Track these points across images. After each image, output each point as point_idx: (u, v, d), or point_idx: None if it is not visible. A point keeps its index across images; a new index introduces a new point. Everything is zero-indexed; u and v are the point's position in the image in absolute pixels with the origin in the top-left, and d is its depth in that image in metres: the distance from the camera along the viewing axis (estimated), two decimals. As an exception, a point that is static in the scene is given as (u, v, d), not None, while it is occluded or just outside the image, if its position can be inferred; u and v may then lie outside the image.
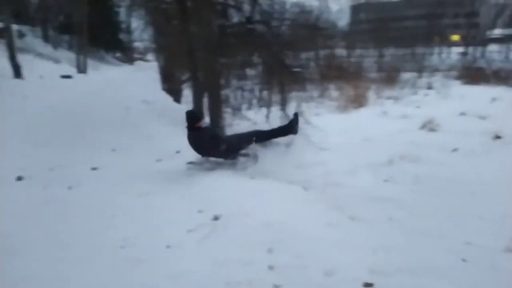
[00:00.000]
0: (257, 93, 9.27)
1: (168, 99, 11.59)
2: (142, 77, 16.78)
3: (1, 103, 7.66)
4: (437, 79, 18.80)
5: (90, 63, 22.03)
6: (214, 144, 4.72)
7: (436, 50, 35.40)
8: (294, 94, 9.23)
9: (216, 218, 3.35)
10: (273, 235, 3.03)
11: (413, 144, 7.09)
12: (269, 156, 4.91)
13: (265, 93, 9.16)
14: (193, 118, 4.80)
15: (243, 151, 4.89)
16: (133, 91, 11.25)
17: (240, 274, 2.59)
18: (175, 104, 11.06)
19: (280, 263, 2.68)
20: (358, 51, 30.10)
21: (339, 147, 6.90)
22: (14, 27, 15.56)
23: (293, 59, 8.91)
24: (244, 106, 8.96)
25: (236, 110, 8.64)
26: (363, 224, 3.75)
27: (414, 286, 2.48)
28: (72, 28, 22.39)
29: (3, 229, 3.28)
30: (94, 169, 5.04)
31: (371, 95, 14.58)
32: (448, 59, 32.03)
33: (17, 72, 11.99)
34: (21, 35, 20.78)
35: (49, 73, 16.11)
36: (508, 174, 5.59)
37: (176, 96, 12.06)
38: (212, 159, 4.92)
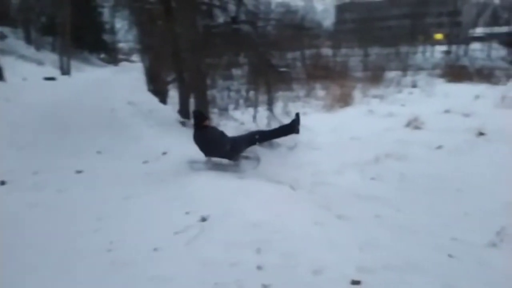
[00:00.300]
0: (243, 93, 9.27)
1: (154, 100, 11.50)
2: (127, 78, 16.62)
3: (-18, 106, 7.50)
4: (421, 78, 19.08)
5: (74, 64, 21.75)
6: (220, 143, 4.72)
7: (420, 49, 35.94)
8: (280, 93, 9.27)
9: (203, 219, 3.32)
10: (261, 235, 3.02)
11: (399, 142, 7.17)
12: (270, 158, 4.90)
13: (251, 93, 9.17)
14: (200, 117, 4.85)
15: (245, 154, 4.87)
16: (118, 92, 11.13)
17: (229, 274, 2.57)
18: (161, 105, 10.97)
19: (268, 263, 2.67)
20: (343, 51, 30.35)
21: (327, 146, 6.95)
22: (-5, 28, 15.28)
23: (279, 59, 8.94)
24: (231, 106, 8.95)
25: (223, 110, 8.63)
26: (350, 222, 3.78)
27: (401, 283, 2.50)
28: (55, 29, 22.09)
29: (-15, 235, 3.20)
30: (79, 172, 4.96)
31: (357, 94, 14.71)
32: (432, 58, 32.54)
33: (-1, 74, 11.78)
34: (3, 36, 20.42)
35: (32, 75, 15.86)
36: (492, 171, 5.70)
37: (162, 97, 11.97)
38: (215, 159, 4.88)
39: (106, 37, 33.83)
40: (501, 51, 31.58)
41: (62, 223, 3.57)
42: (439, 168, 5.90)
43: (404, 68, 21.41)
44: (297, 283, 2.45)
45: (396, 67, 21.96)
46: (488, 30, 38.83)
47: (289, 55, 9.80)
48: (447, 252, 3.32)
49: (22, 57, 18.89)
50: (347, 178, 5.60)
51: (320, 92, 14.46)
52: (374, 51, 31.26)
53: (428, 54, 35.72)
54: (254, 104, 8.92)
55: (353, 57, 28.51)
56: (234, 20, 8.32)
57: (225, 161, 4.92)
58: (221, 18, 8.98)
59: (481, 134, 7.54)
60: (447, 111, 10.20)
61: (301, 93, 10.57)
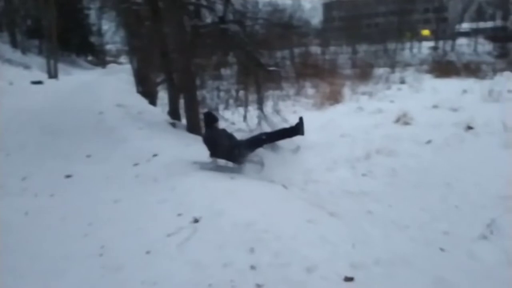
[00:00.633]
0: (233, 93, 9.26)
1: (143, 101, 11.42)
2: (116, 80, 16.48)
3: (-33, 112, 7.38)
4: (409, 74, 19.28)
5: (61, 67, 21.51)
6: (228, 146, 4.76)
7: (408, 45, 36.27)
8: (270, 92, 9.27)
9: (196, 220, 3.30)
10: (254, 234, 3.02)
11: (389, 138, 7.22)
12: (274, 161, 4.91)
13: (241, 92, 9.16)
14: (210, 118, 4.95)
15: (251, 158, 4.88)
16: (107, 95, 11.02)
17: (222, 275, 2.57)
18: (150, 107, 10.90)
19: (261, 263, 2.66)
20: (332, 48, 30.49)
21: (317, 144, 6.96)
22: (-21, 32, 15.05)
23: (268, 58, 8.94)
24: (221, 106, 8.93)
25: (213, 110, 8.60)
26: (342, 219, 3.79)
27: (392, 278, 2.52)
28: (41, 32, 21.80)
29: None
30: (68, 176, 4.90)
31: (346, 91, 14.81)
32: (419, 54, 32.84)
33: (-16, 79, 11.59)
34: (-13, 40, 20.10)
35: (18, 79, 15.64)
36: (481, 164, 5.76)
37: (152, 98, 11.91)
38: (220, 161, 4.93)
39: (93, 39, 33.53)
40: (487, 46, 32.03)
41: (52, 228, 3.53)
42: (428, 163, 5.96)
43: (392, 65, 21.62)
44: (291, 282, 2.46)
45: (384, 63, 22.17)
46: (473, 25, 39.29)
47: (278, 53, 9.80)
48: (439, 246, 3.35)
49: (8, 61, 18.62)
50: (339, 175, 5.62)
51: (310, 90, 14.51)
52: (362, 48, 31.47)
53: (415, 50, 36.05)
54: (244, 104, 8.92)
55: (342, 54, 28.67)
56: (222, 20, 8.29)
57: (229, 163, 4.95)
58: (209, 18, 8.95)
59: (469, 128, 7.64)
60: (435, 106, 10.32)
61: (291, 91, 10.59)
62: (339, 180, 5.36)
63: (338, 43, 33.06)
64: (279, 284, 2.44)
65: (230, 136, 4.97)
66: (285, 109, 9.38)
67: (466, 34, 37.87)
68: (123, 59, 32.48)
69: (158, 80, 11.36)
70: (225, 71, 10.05)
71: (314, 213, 3.76)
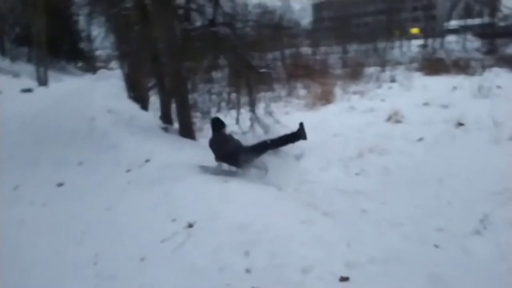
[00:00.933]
0: (225, 95, 9.25)
1: (135, 107, 11.36)
2: (107, 86, 16.39)
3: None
4: (399, 72, 19.39)
5: (51, 74, 21.35)
6: (233, 151, 4.83)
7: (397, 43, 36.49)
8: (262, 94, 9.28)
9: (190, 225, 3.29)
10: (248, 237, 3.01)
11: (381, 136, 7.27)
12: (278, 166, 4.94)
13: (233, 95, 9.15)
14: (218, 123, 5.06)
15: (255, 163, 4.94)
16: (98, 101, 10.95)
17: (218, 279, 2.56)
18: (142, 112, 10.85)
19: (257, 265, 2.66)
20: (322, 49, 30.57)
21: (310, 144, 6.97)
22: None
23: (259, 59, 8.94)
24: (213, 110, 8.91)
25: (205, 113, 8.59)
26: (337, 219, 3.80)
27: (388, 276, 2.53)
28: (30, 40, 21.60)
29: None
30: (60, 184, 4.86)
31: (337, 91, 14.84)
32: (409, 52, 33.08)
33: (-27, 88, 11.47)
34: (-25, 49, 19.90)
35: (8, 87, 15.49)
36: (472, 160, 5.81)
37: (143, 103, 11.85)
38: (225, 165, 4.99)
39: (83, 45, 33.26)
40: (475, 43, 32.34)
41: (45, 237, 3.49)
42: (420, 160, 6.00)
43: (383, 64, 21.74)
44: (286, 283, 2.46)
45: (375, 62, 22.27)
46: (462, 22, 39.64)
47: (269, 55, 9.81)
48: (433, 243, 3.37)
49: (-3, 69, 18.46)
50: (332, 174, 5.64)
51: (301, 91, 14.53)
52: (353, 48, 31.61)
53: (405, 48, 36.28)
54: (236, 106, 8.91)
55: (332, 54, 28.77)
56: (212, 22, 8.28)
57: (234, 168, 5.00)
58: (199, 22, 8.94)
59: (460, 124, 7.71)
60: (426, 104, 10.39)
61: (283, 93, 10.60)
62: (332, 180, 5.37)
63: (328, 43, 33.16)
64: (275, 286, 2.44)
65: (236, 142, 5.05)
66: (277, 111, 9.39)
67: (454, 31, 38.18)
68: (113, 64, 32.26)
69: (149, 84, 11.30)
70: (216, 74, 10.03)
71: (309, 213, 3.76)
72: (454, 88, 12.35)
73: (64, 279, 2.76)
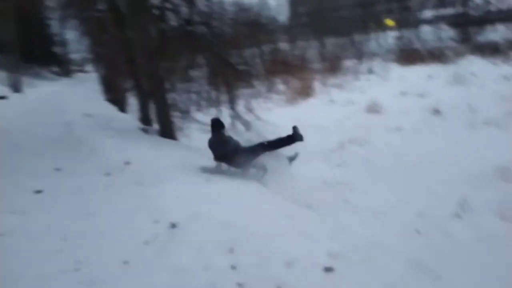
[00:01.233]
0: (204, 94, 9.19)
1: (112, 109, 11.18)
2: (83, 90, 16.11)
3: None
4: (376, 64, 19.59)
5: (25, 80, 20.76)
6: (231, 151, 4.94)
7: (373, 35, 36.86)
8: (242, 91, 9.25)
9: (173, 225, 3.26)
10: (232, 234, 3.00)
11: (361, 127, 7.37)
12: (275, 167, 4.97)
13: (213, 93, 9.09)
14: (217, 124, 5.18)
15: (254, 163, 5.03)
16: (74, 105, 10.74)
17: (203, 278, 2.54)
18: (120, 114, 10.68)
19: (242, 262, 2.65)
20: (300, 44, 30.64)
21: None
22: None
23: (237, 57, 8.92)
24: (193, 109, 8.84)
25: (185, 113, 8.51)
26: (320, 211, 3.83)
27: (371, 264, 2.56)
28: (1, 46, 20.98)
29: None
30: (38, 192, 4.72)
31: (317, 85, 14.93)
32: (385, 43, 33.46)
33: None
34: None
35: (-21, 96, 15.02)
36: (450, 146, 5.95)
37: (121, 105, 11.68)
38: (224, 165, 5.06)
39: (57, 49, 32.58)
40: (450, 32, 32.95)
41: (24, 247, 3.39)
42: (400, 149, 6.12)
43: (360, 56, 21.95)
44: (272, 277, 2.46)
45: (352, 55, 22.46)
46: (436, 12, 40.30)
47: (247, 52, 9.79)
48: (414, 228, 3.43)
49: (-33, 78, 17.87)
50: (314, 167, 5.68)
51: (281, 87, 14.56)
52: (330, 42, 31.80)
53: (381, 40, 36.71)
54: (216, 104, 8.87)
55: (310, 49, 28.89)
56: (188, 22, 8.21)
57: (233, 168, 5.05)
58: (174, 21, 8.84)
59: (436, 112, 7.87)
60: (403, 94, 10.57)
61: (262, 89, 10.59)
62: (315, 172, 5.41)
63: (305, 38, 33.28)
64: (260, 281, 2.44)
65: (234, 142, 5.15)
66: (257, 107, 9.39)
67: (429, 21, 38.80)
68: (89, 67, 31.68)
69: (126, 86, 11.14)
70: (195, 73, 9.95)
71: (292, 207, 3.78)
72: (430, 77, 12.58)
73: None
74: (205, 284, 2.48)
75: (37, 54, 27.93)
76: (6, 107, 12.01)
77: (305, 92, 13.73)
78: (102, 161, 5.34)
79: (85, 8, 9.76)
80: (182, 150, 5.88)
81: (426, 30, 35.37)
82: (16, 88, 19.01)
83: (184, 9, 8.42)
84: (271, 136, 6.25)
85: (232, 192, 3.93)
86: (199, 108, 8.91)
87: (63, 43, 30.93)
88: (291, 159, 5.24)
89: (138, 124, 9.00)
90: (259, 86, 10.11)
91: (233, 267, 2.62)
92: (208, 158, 5.32)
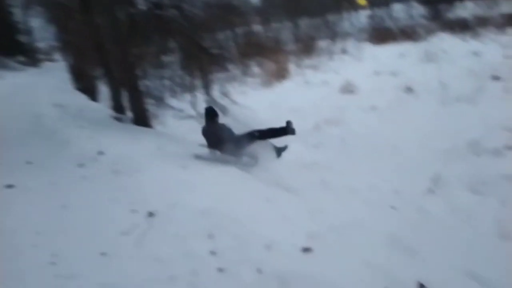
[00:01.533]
0: (178, 80, 9.01)
1: (83, 98, 10.86)
2: (51, 79, 15.53)
3: None
4: (350, 44, 19.66)
5: (-11, 72, 19.90)
6: (226, 140, 4.98)
7: (346, 15, 36.89)
8: (216, 76, 9.12)
9: (151, 214, 3.22)
10: (211, 220, 3.00)
11: (336, 108, 7.42)
12: (263, 155, 5.04)
13: (186, 78, 8.93)
14: (211, 113, 5.22)
15: (246, 151, 5.09)
16: (43, 95, 10.37)
17: (183, 265, 2.53)
18: (91, 103, 10.39)
19: (221, 247, 2.66)
20: (274, 25, 30.33)
21: (267, 121, 6.99)
22: None
23: (211, 41, 8.75)
24: (167, 95, 8.67)
25: (159, 100, 8.35)
26: (298, 192, 3.87)
27: (348, 241, 2.61)
28: (-40, 36, 19.94)
29: None
30: (9, 186, 4.57)
31: (291, 66, 14.89)
32: (358, 23, 33.56)
33: None
34: None
35: None
36: (423, 123, 6.08)
37: (92, 94, 11.35)
38: (218, 153, 5.08)
39: (21, 38, 31.19)
40: (420, 9, 33.31)
41: (-2, 243, 3.30)
42: (374, 128, 6.21)
43: (333, 36, 21.96)
44: (251, 261, 2.47)
45: (326, 35, 22.44)
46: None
47: (220, 35, 9.62)
48: (390, 205, 3.51)
49: None
50: (291, 149, 5.69)
51: (256, 69, 14.46)
52: (304, 23, 31.66)
53: (353, 19, 36.80)
54: (191, 90, 8.72)
55: (284, 30, 28.67)
56: (157, 5, 7.96)
57: (226, 156, 5.04)
58: (143, 5, 8.56)
59: (409, 90, 7.99)
60: (376, 73, 10.66)
61: (237, 72, 10.48)
62: (292, 154, 5.42)
63: (279, 19, 33.02)
64: (240, 265, 2.45)
65: (228, 131, 5.17)
66: (233, 91, 9.30)
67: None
68: (56, 56, 30.54)
69: (97, 74, 10.81)
70: (167, 58, 9.73)
71: (270, 190, 3.80)
72: (402, 55, 12.71)
73: (21, 284, 2.63)
74: (185, 271, 2.47)
75: (1, 44, 26.69)
76: (-30, 100, 11.48)
77: (280, 74, 13.67)
78: (74, 152, 5.21)
79: (49, -7, 9.35)
80: (157, 137, 5.79)
81: (397, 8, 35.67)
82: (-21, 80, 18.19)
83: (152, -9, 8.15)
84: (248, 120, 6.27)
85: (211, 178, 3.91)
86: (173, 95, 8.74)
87: (28, 32, 29.64)
88: (281, 150, 5.27)
89: (110, 112, 8.78)
90: (234, 69, 9.99)
91: (212, 253, 2.63)
92: (184, 145, 5.28)
